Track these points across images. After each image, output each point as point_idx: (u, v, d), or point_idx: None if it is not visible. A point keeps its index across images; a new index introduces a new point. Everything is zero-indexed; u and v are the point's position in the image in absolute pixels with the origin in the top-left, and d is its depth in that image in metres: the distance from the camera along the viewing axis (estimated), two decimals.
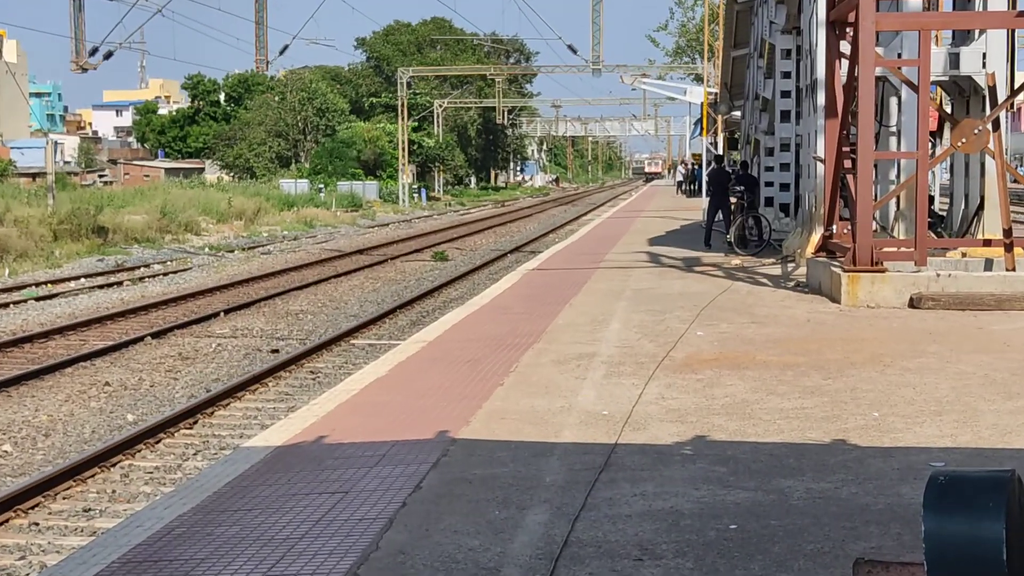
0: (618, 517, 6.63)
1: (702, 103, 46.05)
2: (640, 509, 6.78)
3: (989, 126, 17.38)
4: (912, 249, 16.63)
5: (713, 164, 33.06)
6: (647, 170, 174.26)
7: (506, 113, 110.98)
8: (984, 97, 19.29)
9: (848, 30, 17.69)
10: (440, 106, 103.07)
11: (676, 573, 5.75)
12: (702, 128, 47.64)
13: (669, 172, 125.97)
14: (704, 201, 39.84)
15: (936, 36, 20.81)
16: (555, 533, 6.37)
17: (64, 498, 10.28)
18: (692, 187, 70.11)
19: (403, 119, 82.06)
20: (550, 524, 6.53)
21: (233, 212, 54.64)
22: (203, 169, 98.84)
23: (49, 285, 27.89)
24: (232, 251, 39.95)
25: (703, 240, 27.58)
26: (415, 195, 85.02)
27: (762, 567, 5.80)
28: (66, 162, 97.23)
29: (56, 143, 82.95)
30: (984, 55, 19.69)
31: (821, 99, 19.56)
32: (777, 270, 21.14)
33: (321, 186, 78.00)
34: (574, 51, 50.65)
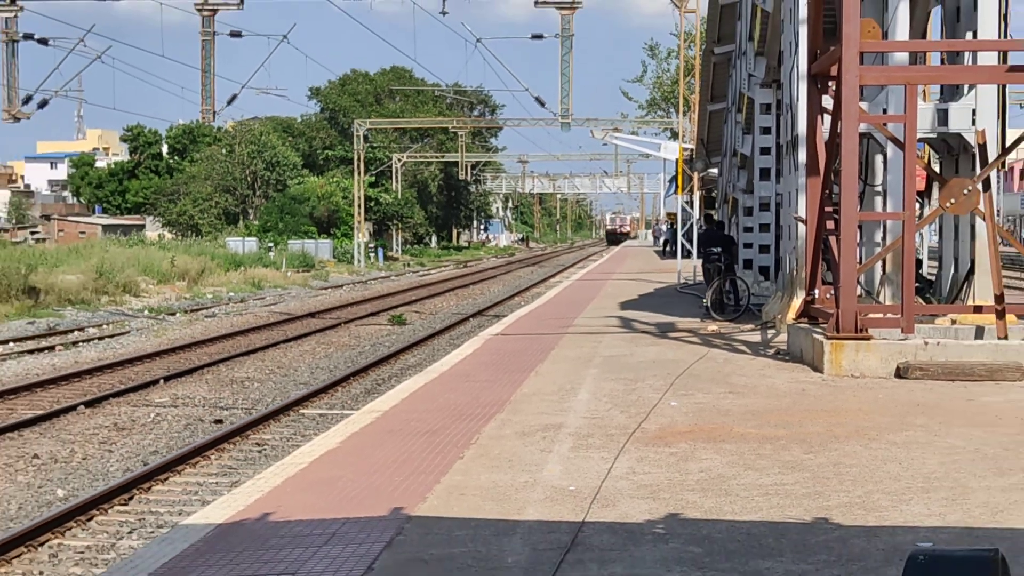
0: None
1: (677, 159, 46.29)
2: None
3: (979, 186, 17.41)
4: (899, 316, 16.65)
5: (703, 224, 33.12)
6: (609, 227, 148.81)
7: (469, 168, 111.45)
8: (974, 155, 19.26)
9: (831, 84, 17.81)
10: (399, 160, 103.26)
11: None
12: (677, 186, 47.88)
13: (649, 230, 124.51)
14: (679, 263, 40.18)
15: (923, 91, 20.94)
16: None
17: None
18: (666, 248, 70.77)
19: (359, 174, 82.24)
20: None
21: (176, 272, 54.43)
22: (143, 226, 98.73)
23: None
24: (174, 314, 39.74)
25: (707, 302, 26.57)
26: (371, 255, 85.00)
27: None
28: None
29: None
30: (974, 111, 19.66)
31: (802, 156, 19.65)
32: (756, 337, 21.16)
33: (271, 245, 78.03)
34: (542, 103, 50.87)
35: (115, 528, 11.80)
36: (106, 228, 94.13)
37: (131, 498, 12.92)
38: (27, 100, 42.70)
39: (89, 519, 12.02)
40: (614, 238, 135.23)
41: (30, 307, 39.06)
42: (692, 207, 48.94)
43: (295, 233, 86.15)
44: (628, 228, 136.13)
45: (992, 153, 18.70)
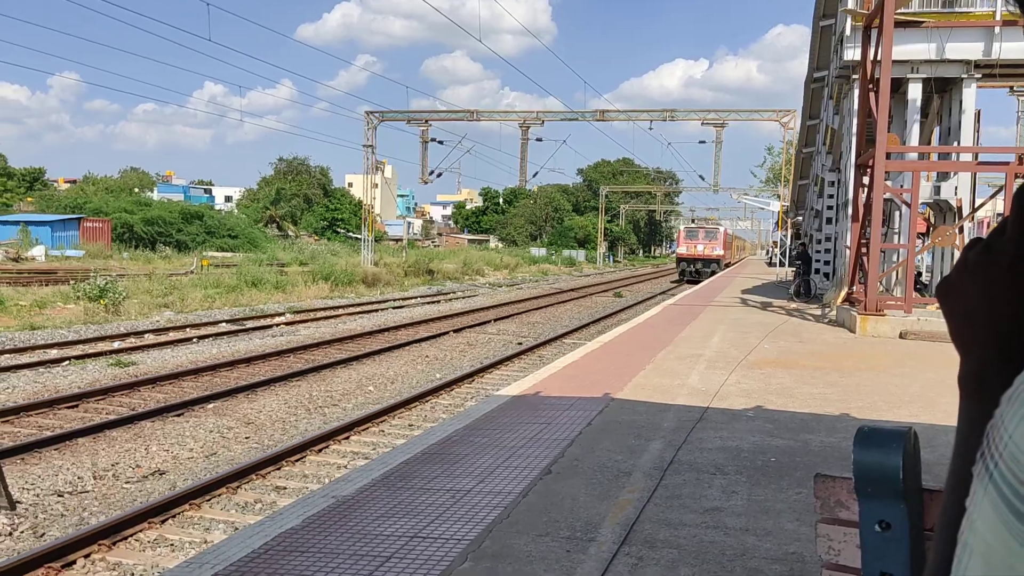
0: (704, 449, 6.54)
1: (779, 211, 44.47)
2: (717, 445, 6.66)
3: (956, 231, 16.30)
4: (903, 302, 15.69)
5: (796, 248, 31.85)
6: (679, 251, 47.84)
7: (662, 213, 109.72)
8: (955, 213, 18.07)
9: (869, 170, 16.86)
10: (624, 208, 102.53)
11: (735, 483, 5.64)
12: (778, 226, 46.10)
13: (763, 251, 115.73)
14: (778, 269, 38.58)
15: (927, 175, 19.56)
16: (666, 455, 6.33)
17: (398, 418, 10.70)
18: (771, 261, 67.77)
19: (602, 215, 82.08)
20: (663, 450, 6.49)
21: (503, 264, 55.66)
22: (488, 240, 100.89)
23: (401, 300, 28.94)
24: (501, 286, 40.54)
25: (791, 291, 25.77)
26: (607, 259, 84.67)
27: (788, 483, 5.63)
28: (414, 234, 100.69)
29: (409, 223, 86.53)
30: (956, 187, 18.42)
31: (850, 211, 18.69)
32: (818, 312, 20.20)
33: (553, 252, 78.61)
34: (702, 178, 50.39)
35: (464, 396, 12.20)
36: (470, 241, 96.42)
37: (473, 380, 13.24)
38: (431, 172, 44.41)
39: (451, 390, 12.46)
40: (691, 269, 47.37)
41: (428, 280, 40.69)
42: (787, 239, 46.88)
43: (566, 246, 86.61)
44: (720, 250, 46.95)
45: (965, 211, 17.43)
